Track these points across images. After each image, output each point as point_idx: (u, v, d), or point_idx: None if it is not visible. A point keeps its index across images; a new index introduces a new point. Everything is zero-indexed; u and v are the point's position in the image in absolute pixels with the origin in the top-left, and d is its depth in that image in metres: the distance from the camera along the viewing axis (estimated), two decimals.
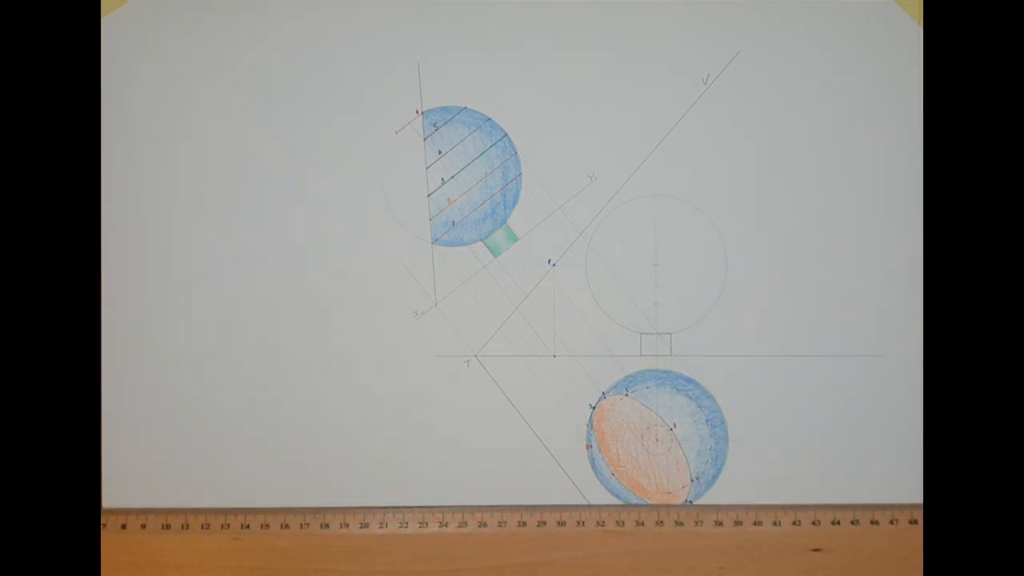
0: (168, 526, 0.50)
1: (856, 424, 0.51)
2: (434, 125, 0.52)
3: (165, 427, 0.51)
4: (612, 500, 0.51)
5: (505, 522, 0.50)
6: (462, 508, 0.51)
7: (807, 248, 0.51)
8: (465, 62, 0.52)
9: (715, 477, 0.51)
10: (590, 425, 0.51)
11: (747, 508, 0.51)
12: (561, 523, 0.50)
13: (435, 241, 0.52)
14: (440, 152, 0.52)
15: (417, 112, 0.52)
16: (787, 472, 0.51)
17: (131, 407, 0.51)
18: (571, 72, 0.52)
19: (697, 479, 0.51)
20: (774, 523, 0.51)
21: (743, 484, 0.51)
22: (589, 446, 0.51)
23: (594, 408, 0.51)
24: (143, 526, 0.50)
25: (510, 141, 0.52)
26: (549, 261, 0.52)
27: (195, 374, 0.51)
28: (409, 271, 0.51)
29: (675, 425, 0.51)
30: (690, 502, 0.51)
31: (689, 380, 0.51)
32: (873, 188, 0.51)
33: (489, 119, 0.52)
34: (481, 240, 0.52)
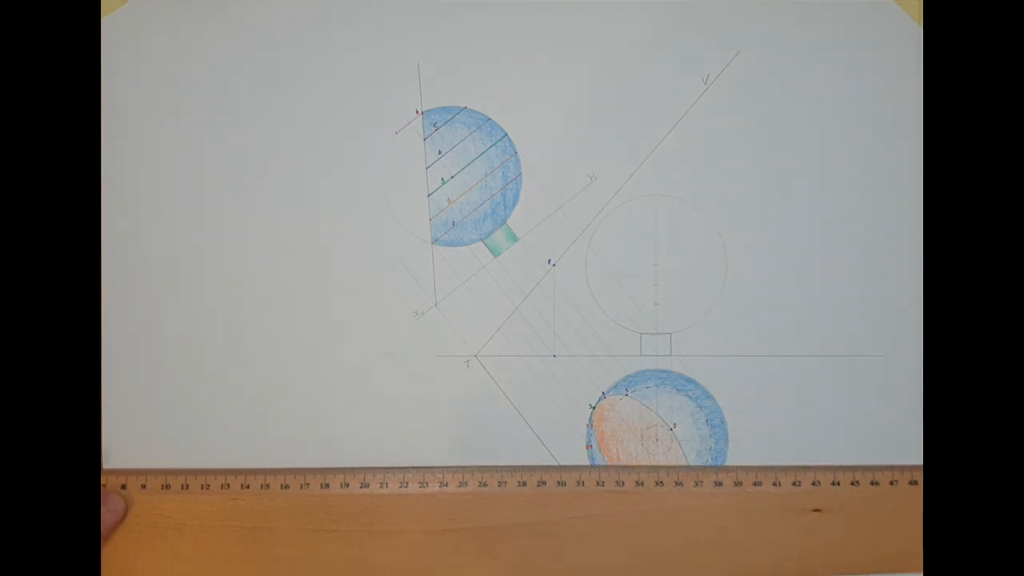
0: (168, 487, 0.50)
1: (856, 424, 0.51)
2: (434, 125, 0.52)
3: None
4: None
5: (505, 482, 0.50)
6: (462, 468, 0.51)
7: (807, 248, 0.51)
8: (465, 62, 0.52)
9: None
10: (590, 425, 0.51)
11: (747, 469, 0.51)
12: (561, 483, 0.50)
13: (435, 241, 0.52)
14: (440, 152, 0.52)
15: (417, 112, 0.52)
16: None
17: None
18: (571, 72, 0.52)
19: None
20: (774, 483, 0.50)
21: None
22: (589, 446, 0.51)
23: (594, 408, 0.51)
24: (143, 487, 0.50)
25: (510, 141, 0.52)
26: (549, 261, 0.52)
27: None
28: (409, 271, 0.51)
29: (675, 425, 0.51)
30: None
31: (689, 380, 0.51)
32: (873, 188, 0.51)
33: (489, 119, 0.52)
34: (481, 240, 0.52)
